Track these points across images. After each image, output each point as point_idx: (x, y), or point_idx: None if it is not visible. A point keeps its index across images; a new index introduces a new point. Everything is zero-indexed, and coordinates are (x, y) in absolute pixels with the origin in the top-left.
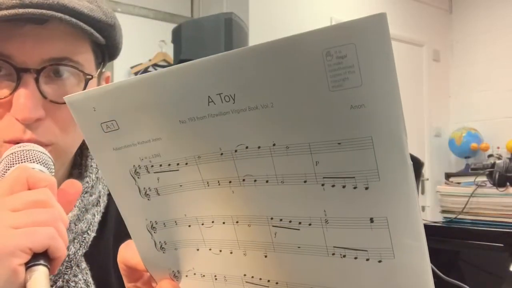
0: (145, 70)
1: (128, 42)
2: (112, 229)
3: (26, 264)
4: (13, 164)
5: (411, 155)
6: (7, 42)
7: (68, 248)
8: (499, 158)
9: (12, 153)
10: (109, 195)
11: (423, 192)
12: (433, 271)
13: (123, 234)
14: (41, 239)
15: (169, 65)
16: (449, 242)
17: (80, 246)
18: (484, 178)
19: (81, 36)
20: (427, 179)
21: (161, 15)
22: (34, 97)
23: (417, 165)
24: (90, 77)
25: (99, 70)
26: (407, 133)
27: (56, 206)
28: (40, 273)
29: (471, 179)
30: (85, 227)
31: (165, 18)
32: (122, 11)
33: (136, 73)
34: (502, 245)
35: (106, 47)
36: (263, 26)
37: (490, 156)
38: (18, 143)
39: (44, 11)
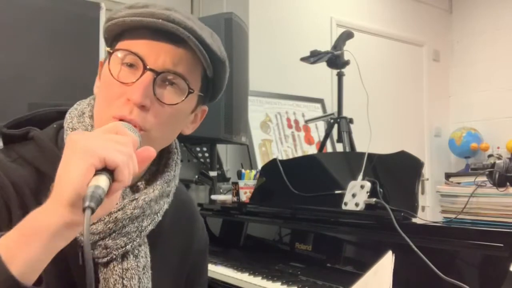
0: None
1: None
2: (170, 221)
3: (96, 171)
4: None
5: (411, 155)
6: (147, 48)
7: (143, 220)
8: (499, 158)
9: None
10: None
11: (423, 192)
12: (433, 271)
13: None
14: (113, 156)
15: None
16: (449, 242)
17: (151, 223)
18: (484, 178)
19: (198, 62)
20: (427, 179)
21: None
22: (147, 89)
23: (417, 165)
24: (192, 91)
25: (198, 99)
26: (407, 133)
27: (132, 150)
28: (103, 178)
29: (471, 179)
30: (157, 209)
31: None
32: None
33: None
34: (502, 245)
35: (212, 84)
36: (263, 26)
37: (490, 156)
38: (122, 120)
39: (185, 32)
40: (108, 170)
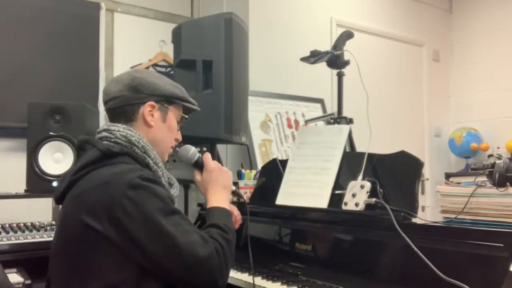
0: None
1: (128, 42)
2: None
3: None
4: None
5: (411, 155)
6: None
7: None
8: (499, 158)
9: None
10: None
11: (423, 192)
12: (433, 271)
13: None
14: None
15: (169, 65)
16: (449, 242)
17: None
18: (484, 178)
19: None
20: (427, 179)
21: (161, 15)
22: None
23: (417, 165)
24: None
25: None
26: (407, 133)
27: None
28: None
29: (471, 179)
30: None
31: (165, 18)
32: (122, 11)
33: None
34: (502, 245)
35: None
36: (263, 26)
37: (490, 156)
38: (173, 148)
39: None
40: None
